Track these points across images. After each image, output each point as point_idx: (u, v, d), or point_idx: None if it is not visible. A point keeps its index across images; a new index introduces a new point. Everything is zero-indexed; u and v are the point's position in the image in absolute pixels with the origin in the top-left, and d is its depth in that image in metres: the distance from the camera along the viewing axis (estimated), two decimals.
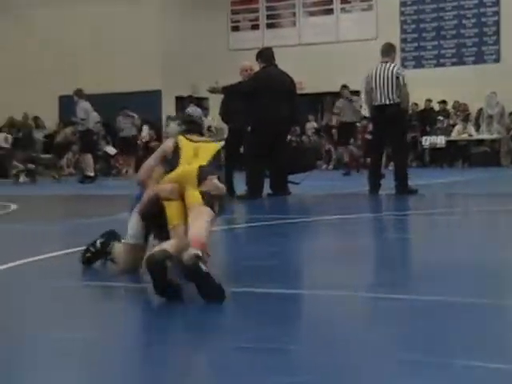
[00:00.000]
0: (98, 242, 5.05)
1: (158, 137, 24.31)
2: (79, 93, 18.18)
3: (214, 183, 4.51)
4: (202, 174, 4.51)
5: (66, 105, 21.98)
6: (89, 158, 18.46)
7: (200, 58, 23.86)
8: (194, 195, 4.43)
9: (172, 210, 4.47)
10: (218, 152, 4.81)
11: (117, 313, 4.03)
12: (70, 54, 24.10)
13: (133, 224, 4.83)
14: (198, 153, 4.71)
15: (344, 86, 19.13)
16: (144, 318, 3.96)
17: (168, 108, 24.64)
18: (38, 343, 3.36)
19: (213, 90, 11.73)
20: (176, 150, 4.72)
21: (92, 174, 18.37)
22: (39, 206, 12.60)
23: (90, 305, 4.29)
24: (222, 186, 4.57)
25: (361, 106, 18.84)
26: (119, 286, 4.68)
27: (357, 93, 20.04)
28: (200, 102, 22.86)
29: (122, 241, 4.91)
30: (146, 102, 23.50)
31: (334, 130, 21.75)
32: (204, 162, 4.62)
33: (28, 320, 3.86)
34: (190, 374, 2.85)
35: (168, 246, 4.21)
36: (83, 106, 17.96)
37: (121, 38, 23.73)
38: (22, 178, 19.11)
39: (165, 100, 24.55)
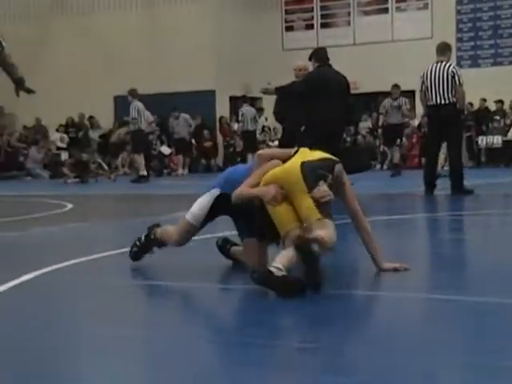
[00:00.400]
0: (143, 236, 5.15)
1: (213, 137, 24.40)
2: (133, 92, 18.35)
3: (324, 190, 4.29)
4: (308, 175, 4.32)
5: (121, 105, 22.19)
6: (141, 158, 18.57)
7: (254, 57, 23.88)
8: (310, 208, 4.24)
9: (282, 215, 4.31)
10: (331, 161, 4.56)
11: (166, 312, 4.03)
12: (126, 55, 24.30)
13: (200, 205, 4.81)
14: (307, 154, 4.54)
15: (395, 86, 18.30)
16: (192, 318, 3.96)
17: (222, 108, 24.71)
18: (87, 339, 3.38)
19: (265, 91, 11.69)
20: (294, 153, 4.57)
21: (145, 174, 18.47)
22: (94, 205, 12.73)
23: (140, 303, 4.30)
24: (331, 193, 4.32)
25: (408, 109, 18.28)
26: (170, 285, 4.69)
27: (412, 92, 19.88)
28: (254, 101, 22.91)
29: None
30: (201, 102, 23.59)
31: (379, 130, 21.39)
32: (307, 159, 4.45)
33: (76, 317, 3.89)
34: (242, 375, 2.84)
35: (283, 258, 4.08)
36: (136, 106, 18.11)
37: (175, 39, 23.84)
38: (70, 180, 19.30)
39: (219, 100, 24.61)
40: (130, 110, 18.19)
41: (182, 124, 22.58)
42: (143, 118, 18.29)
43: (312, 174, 4.34)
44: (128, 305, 4.22)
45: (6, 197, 14.21)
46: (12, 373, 2.91)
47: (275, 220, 4.33)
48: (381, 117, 19.20)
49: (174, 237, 4.94)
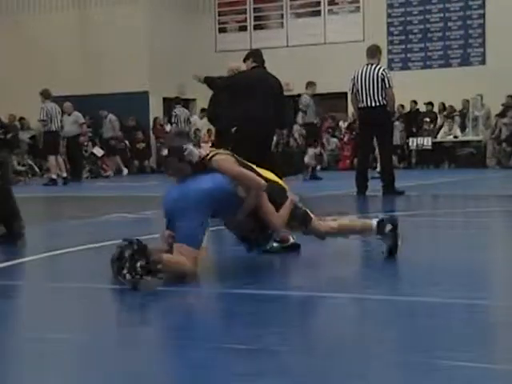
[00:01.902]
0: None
1: (146, 138, 24.28)
2: (45, 93, 17.70)
3: None
4: None
5: None
6: (53, 160, 17.98)
7: (187, 59, 23.82)
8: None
9: None
10: None
11: (95, 314, 4.02)
12: (58, 56, 24.02)
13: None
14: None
15: (310, 83, 17.28)
16: (126, 320, 3.96)
17: (155, 109, 24.61)
18: (21, 343, 3.36)
19: (196, 78, 11.65)
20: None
21: (55, 177, 17.81)
22: (23, 207, 12.51)
23: (79, 306, 4.28)
24: None
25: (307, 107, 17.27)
26: (99, 287, 4.67)
27: (344, 94, 20.03)
28: (187, 103, 22.86)
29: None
30: (134, 103, 23.47)
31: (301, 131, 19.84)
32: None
33: (17, 320, 3.86)
34: (178, 377, 2.85)
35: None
36: (45, 107, 17.59)
37: (108, 40, 23.66)
38: None
39: (152, 101, 24.51)
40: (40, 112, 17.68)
41: (108, 125, 22.59)
42: (56, 119, 17.77)
43: None
44: (66, 307, 4.20)
45: None
46: None
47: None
48: (300, 114, 17.36)
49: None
